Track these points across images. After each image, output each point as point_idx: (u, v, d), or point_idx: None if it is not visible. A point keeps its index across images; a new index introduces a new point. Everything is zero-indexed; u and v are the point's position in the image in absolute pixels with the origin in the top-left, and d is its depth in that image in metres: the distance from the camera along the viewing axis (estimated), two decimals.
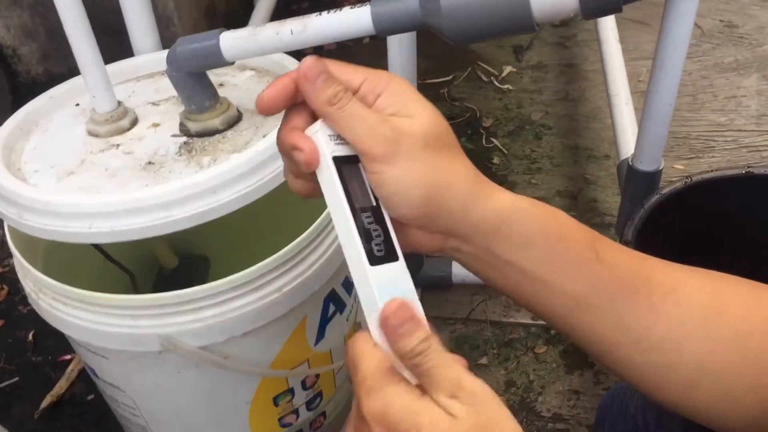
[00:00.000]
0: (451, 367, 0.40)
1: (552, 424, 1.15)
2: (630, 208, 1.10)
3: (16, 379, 1.23)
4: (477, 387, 0.39)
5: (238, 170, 0.69)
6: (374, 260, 0.44)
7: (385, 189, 0.44)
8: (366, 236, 0.44)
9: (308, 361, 0.84)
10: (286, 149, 0.47)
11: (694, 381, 0.46)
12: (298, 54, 0.73)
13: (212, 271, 0.99)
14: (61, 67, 1.62)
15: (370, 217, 0.45)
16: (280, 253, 0.72)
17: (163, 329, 0.70)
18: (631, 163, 1.11)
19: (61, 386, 1.20)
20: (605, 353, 0.47)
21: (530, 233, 0.46)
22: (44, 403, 1.17)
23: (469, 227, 0.46)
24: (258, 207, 0.70)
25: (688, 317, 0.45)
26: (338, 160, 0.45)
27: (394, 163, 0.44)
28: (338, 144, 0.46)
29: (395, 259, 0.45)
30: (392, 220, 0.46)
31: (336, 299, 0.84)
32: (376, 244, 0.44)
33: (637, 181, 1.11)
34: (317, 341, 0.84)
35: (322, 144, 0.46)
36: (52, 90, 0.87)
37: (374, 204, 0.46)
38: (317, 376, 0.87)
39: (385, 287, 0.43)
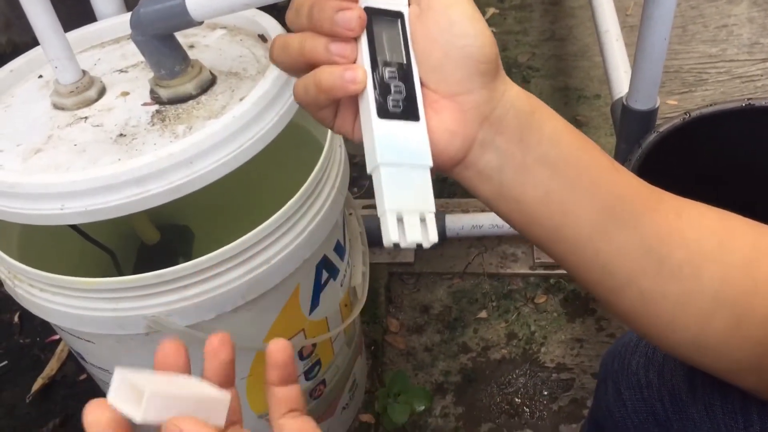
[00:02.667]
0: None
1: (556, 374, 1.13)
2: (626, 149, 1.07)
3: (5, 362, 1.20)
4: None
5: (215, 138, 0.64)
6: (384, 113, 0.41)
7: (457, 10, 0.41)
8: (382, 89, 0.41)
9: (304, 331, 0.80)
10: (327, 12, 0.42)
11: (709, 312, 0.44)
12: (272, 9, 0.68)
13: (196, 243, 0.95)
14: (25, 36, 1.55)
15: (393, 72, 0.41)
16: (267, 222, 0.68)
17: (148, 310, 0.66)
18: (625, 102, 1.07)
19: (51, 367, 1.17)
20: (626, 286, 0.45)
21: (557, 128, 0.44)
22: (36, 386, 1.14)
23: (508, 103, 0.43)
24: (241, 173, 0.66)
25: (704, 239, 0.45)
26: (372, 12, 0.42)
27: None
28: None
29: (414, 119, 0.41)
30: (428, 96, 0.43)
31: (328, 265, 0.81)
32: (393, 99, 0.41)
33: (632, 121, 1.07)
34: (312, 310, 0.80)
35: None
36: (12, 63, 0.82)
37: (405, 61, 0.42)
38: (314, 345, 0.84)
39: (389, 143, 0.40)
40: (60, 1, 0.72)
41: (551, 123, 0.44)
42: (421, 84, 0.43)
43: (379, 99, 0.41)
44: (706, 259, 0.44)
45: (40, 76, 0.82)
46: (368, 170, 0.41)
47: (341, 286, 0.86)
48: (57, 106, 0.75)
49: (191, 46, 0.80)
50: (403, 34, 0.42)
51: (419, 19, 0.42)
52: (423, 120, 0.41)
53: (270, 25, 0.78)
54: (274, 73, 0.68)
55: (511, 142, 0.43)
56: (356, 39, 0.42)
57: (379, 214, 0.39)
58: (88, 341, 0.73)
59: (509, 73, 1.65)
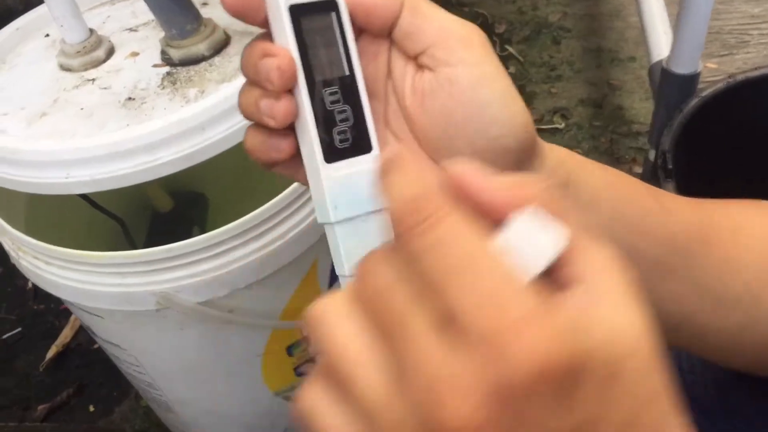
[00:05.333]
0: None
1: None
2: (666, 115, 1.01)
3: (19, 329, 1.18)
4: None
5: (229, 102, 0.60)
6: (332, 155, 0.33)
7: (488, 90, 0.33)
8: (326, 121, 0.33)
9: None
10: (253, 59, 0.33)
11: None
12: None
13: (211, 211, 0.91)
14: None
15: (335, 94, 0.34)
16: (283, 194, 0.64)
17: (158, 286, 0.63)
18: (665, 65, 1.01)
19: (65, 335, 1.14)
20: (681, 324, 0.40)
21: (596, 187, 0.37)
22: (49, 354, 1.12)
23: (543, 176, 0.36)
24: None
25: (762, 258, 0.40)
26: (298, 10, 0.33)
27: (490, 61, 0.33)
28: None
29: (366, 150, 0.34)
30: None
31: None
32: (340, 132, 0.34)
33: (672, 86, 1.01)
34: (331, 284, 0.77)
35: None
36: (18, 20, 0.78)
37: (347, 73, 0.34)
38: None
39: (342, 193, 0.33)
40: None
41: (588, 187, 0.37)
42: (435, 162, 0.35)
43: (324, 137, 0.33)
44: (765, 284, 0.40)
45: (47, 35, 0.77)
46: (319, 221, 0.34)
47: None
48: (63, 67, 0.71)
49: (204, 4, 0.75)
50: (341, 32, 0.34)
51: (433, 95, 0.34)
52: (376, 148, 0.34)
53: None
54: None
55: None
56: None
57: (338, 273, 0.34)
58: (97, 315, 0.70)
59: (539, 35, 1.59)
